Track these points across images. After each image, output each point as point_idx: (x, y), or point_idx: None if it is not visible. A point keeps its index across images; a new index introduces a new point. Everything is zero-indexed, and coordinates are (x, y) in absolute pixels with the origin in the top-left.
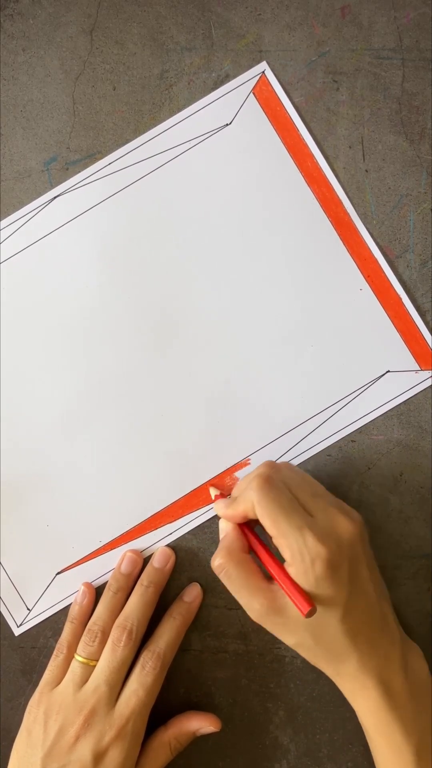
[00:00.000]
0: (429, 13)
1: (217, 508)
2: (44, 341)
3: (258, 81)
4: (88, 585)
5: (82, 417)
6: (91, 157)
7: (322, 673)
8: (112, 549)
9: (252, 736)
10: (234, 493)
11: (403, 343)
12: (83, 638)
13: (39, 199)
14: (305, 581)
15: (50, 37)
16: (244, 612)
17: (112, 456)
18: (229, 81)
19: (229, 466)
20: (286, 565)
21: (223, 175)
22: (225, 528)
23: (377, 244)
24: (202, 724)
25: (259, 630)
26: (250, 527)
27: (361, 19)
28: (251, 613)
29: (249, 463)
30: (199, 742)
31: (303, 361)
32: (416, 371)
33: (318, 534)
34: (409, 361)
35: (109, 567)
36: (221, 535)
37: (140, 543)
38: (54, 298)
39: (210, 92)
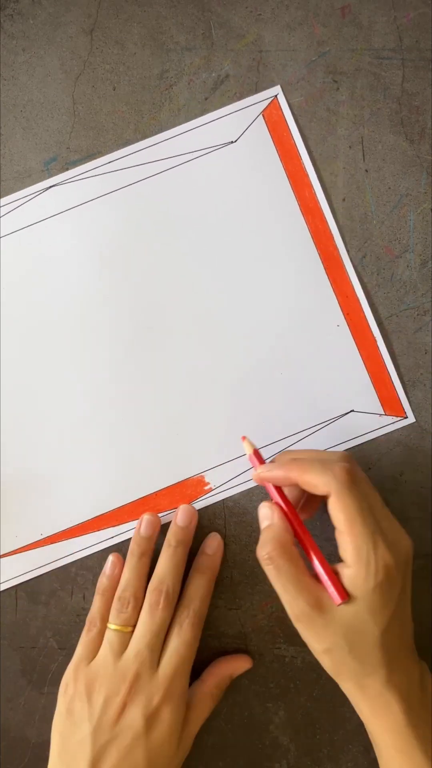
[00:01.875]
0: (429, 13)
1: (264, 471)
2: (21, 336)
3: (269, 104)
4: (117, 556)
5: (38, 409)
6: (91, 157)
7: (322, 673)
8: (52, 543)
9: (252, 736)
10: (296, 455)
11: (371, 385)
12: (114, 606)
13: (32, 186)
14: (364, 585)
15: (50, 37)
16: (244, 612)
17: (63, 451)
18: (229, 81)
19: (179, 480)
20: (344, 565)
21: (220, 192)
22: (269, 516)
23: (362, 283)
24: (235, 666)
25: (260, 630)
26: (286, 506)
27: (361, 19)
28: (293, 610)
29: (203, 479)
30: (199, 742)
31: (270, 388)
32: (380, 415)
33: (387, 544)
34: (374, 403)
35: (51, 559)
36: (264, 523)
37: (82, 541)
38: (39, 291)
39: (210, 94)
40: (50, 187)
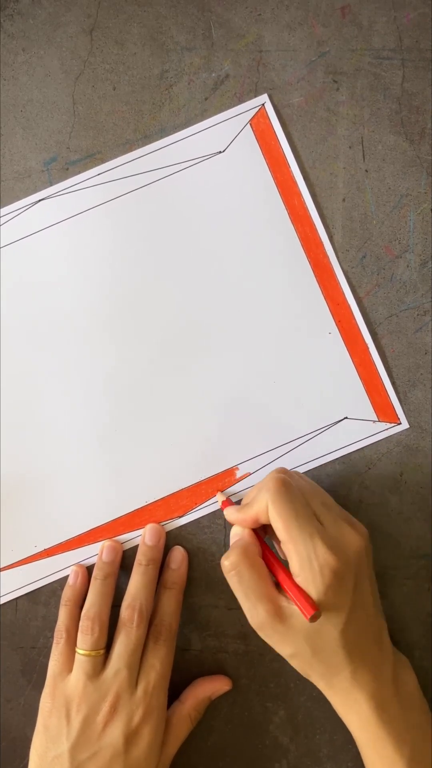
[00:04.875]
0: (429, 13)
1: (228, 513)
2: (18, 346)
3: (257, 113)
4: (80, 566)
5: (34, 421)
6: (91, 157)
7: None
8: (48, 556)
9: (252, 736)
10: (245, 500)
11: (364, 391)
12: (81, 630)
13: (22, 200)
14: (312, 589)
15: (50, 37)
16: (243, 612)
17: (59, 463)
18: (229, 81)
19: (169, 493)
20: (293, 572)
21: (209, 202)
22: (239, 533)
23: (352, 290)
24: (215, 687)
25: None
26: (259, 534)
27: (361, 19)
28: (253, 618)
29: (198, 489)
30: (198, 742)
31: (263, 397)
32: (374, 421)
33: (328, 543)
34: (368, 410)
35: (47, 572)
36: (233, 540)
37: (78, 554)
38: (35, 302)
39: (210, 94)
40: (40, 200)
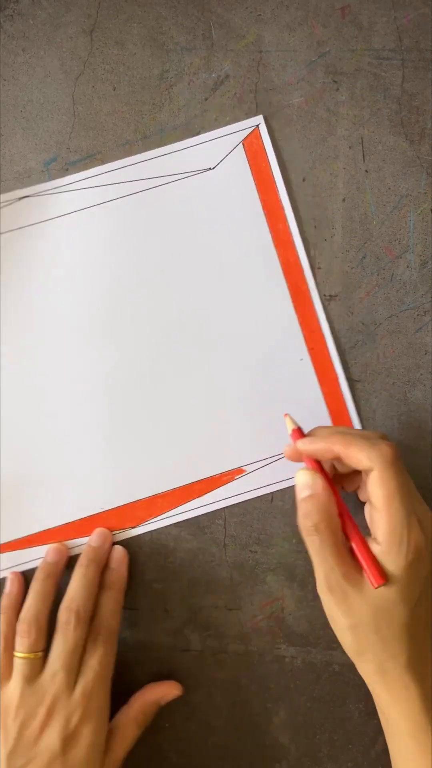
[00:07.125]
0: (429, 14)
1: (303, 443)
2: (16, 345)
3: (250, 133)
4: (15, 573)
5: (13, 418)
6: (91, 157)
7: (322, 673)
8: (12, 550)
9: (252, 737)
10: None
11: (329, 420)
12: (18, 633)
13: (5, 195)
14: (394, 563)
15: (50, 37)
16: (244, 612)
17: (32, 460)
18: (229, 81)
19: (135, 500)
20: (373, 541)
21: (195, 218)
22: (310, 484)
23: (328, 319)
24: (163, 692)
25: (259, 630)
26: (334, 487)
27: (361, 20)
28: (329, 581)
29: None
30: (198, 742)
31: (230, 416)
32: None
33: (421, 525)
34: None
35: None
36: (305, 492)
37: (26, 555)
38: (35, 296)
39: (210, 94)
40: (23, 197)
